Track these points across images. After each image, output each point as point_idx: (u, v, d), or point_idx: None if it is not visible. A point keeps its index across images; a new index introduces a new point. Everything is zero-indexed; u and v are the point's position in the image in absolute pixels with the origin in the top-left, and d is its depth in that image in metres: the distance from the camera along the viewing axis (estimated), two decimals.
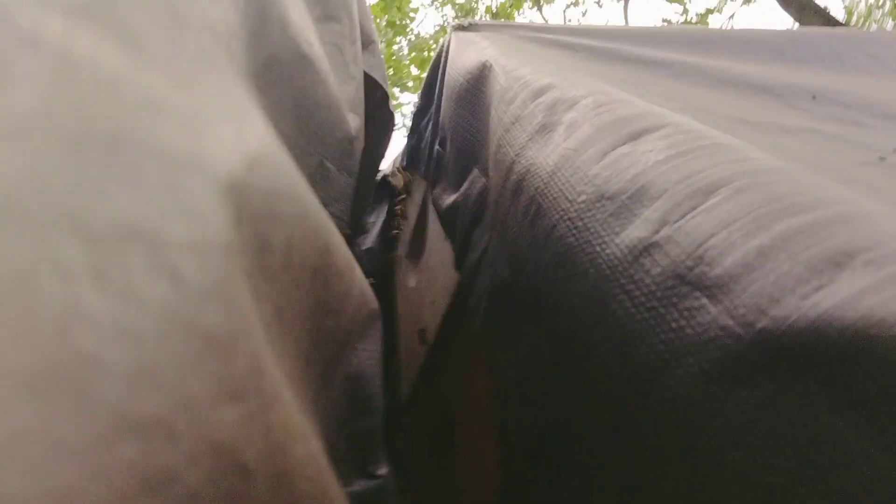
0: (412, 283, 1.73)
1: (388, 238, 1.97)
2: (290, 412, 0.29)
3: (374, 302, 0.56)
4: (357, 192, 0.91)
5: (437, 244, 1.37)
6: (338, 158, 0.72)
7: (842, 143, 0.75)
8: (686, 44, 1.07)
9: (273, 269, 0.28)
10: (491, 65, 0.90)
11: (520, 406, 0.69)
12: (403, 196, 1.81)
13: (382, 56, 1.04)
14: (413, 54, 7.45)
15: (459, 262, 0.94)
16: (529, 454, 0.68)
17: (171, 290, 0.19)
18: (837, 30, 1.19)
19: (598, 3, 10.11)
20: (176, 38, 0.24)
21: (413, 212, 1.72)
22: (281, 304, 0.30)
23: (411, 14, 7.37)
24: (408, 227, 1.82)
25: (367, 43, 0.95)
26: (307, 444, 0.29)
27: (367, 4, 1.03)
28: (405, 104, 7.84)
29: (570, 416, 0.61)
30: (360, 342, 0.55)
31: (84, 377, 0.16)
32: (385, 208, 2.06)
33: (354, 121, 0.75)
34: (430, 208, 1.42)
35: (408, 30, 7.54)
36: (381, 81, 1.00)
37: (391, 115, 1.09)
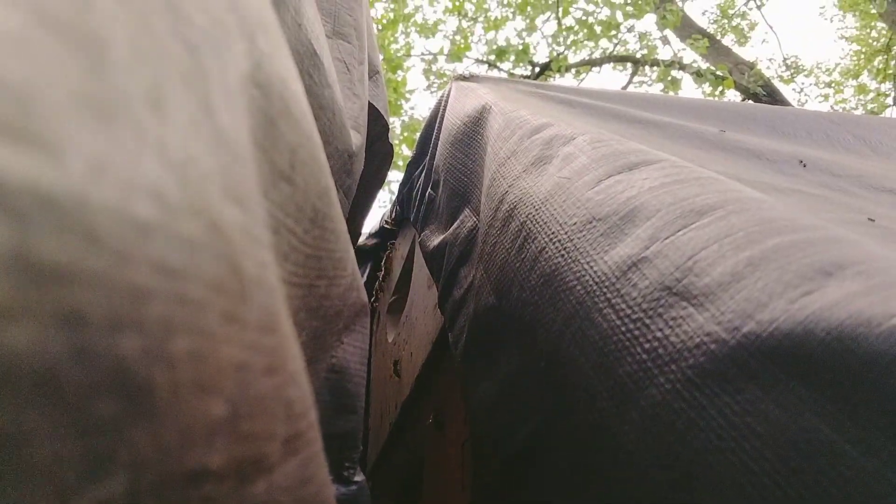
0: (391, 338, 1.71)
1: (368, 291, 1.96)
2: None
3: (364, 296, 0.55)
4: (349, 222, 0.91)
5: (421, 294, 1.37)
6: (336, 173, 0.72)
7: (831, 205, 0.77)
8: (680, 110, 1.10)
9: (278, 167, 0.27)
10: (490, 107, 0.91)
11: (493, 430, 0.68)
12: (389, 251, 1.81)
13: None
14: (405, 134, 7.57)
15: (443, 300, 0.93)
16: (500, 477, 0.66)
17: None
18: (826, 112, 1.23)
19: None
20: None
21: (398, 265, 1.72)
22: (279, 217, 0.28)
23: (407, 94, 7.53)
24: (390, 281, 1.82)
25: (373, 73, 0.96)
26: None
27: (375, 35, 1.05)
28: (393, 182, 7.93)
29: (543, 436, 0.60)
30: (345, 334, 0.54)
31: None
32: (367, 267, 2.06)
33: (356, 138, 0.75)
34: (416, 258, 1.42)
35: (402, 111, 7.69)
36: (383, 112, 1.00)
37: (390, 148, 1.10)
